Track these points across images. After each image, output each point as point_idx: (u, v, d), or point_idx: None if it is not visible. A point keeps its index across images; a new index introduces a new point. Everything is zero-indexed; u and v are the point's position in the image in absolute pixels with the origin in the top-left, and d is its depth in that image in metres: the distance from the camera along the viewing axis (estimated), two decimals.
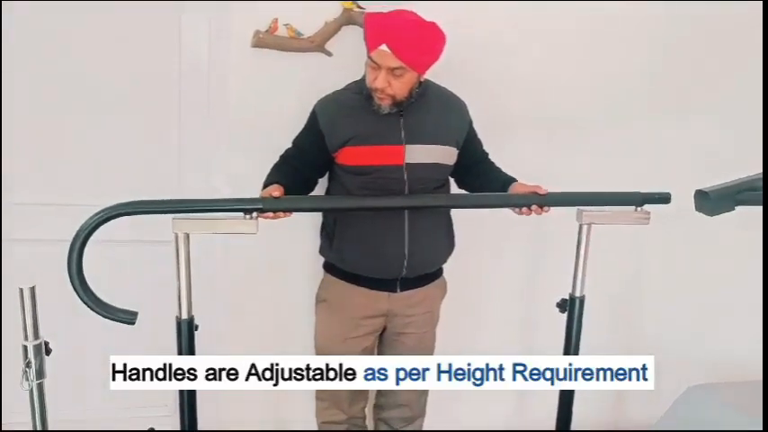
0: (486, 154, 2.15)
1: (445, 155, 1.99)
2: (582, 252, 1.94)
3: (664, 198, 1.93)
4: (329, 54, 2.24)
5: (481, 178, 2.08)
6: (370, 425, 2.36)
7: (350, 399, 2.21)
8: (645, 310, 2.82)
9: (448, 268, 2.20)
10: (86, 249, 1.51)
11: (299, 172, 1.96)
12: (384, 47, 1.75)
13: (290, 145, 2.02)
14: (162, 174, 2.31)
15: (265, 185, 1.86)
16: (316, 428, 2.33)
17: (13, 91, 2.14)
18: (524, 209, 1.88)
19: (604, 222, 1.90)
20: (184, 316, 1.68)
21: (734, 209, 1.54)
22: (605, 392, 2.87)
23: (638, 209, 1.92)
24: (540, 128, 2.52)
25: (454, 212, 2.11)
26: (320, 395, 2.25)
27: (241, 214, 1.68)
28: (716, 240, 2.66)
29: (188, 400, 1.74)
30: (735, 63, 2.59)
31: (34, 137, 2.20)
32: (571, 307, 1.98)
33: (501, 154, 2.16)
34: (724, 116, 2.62)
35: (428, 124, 1.95)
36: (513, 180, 2.00)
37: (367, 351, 2.14)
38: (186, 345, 1.69)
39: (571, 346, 2.00)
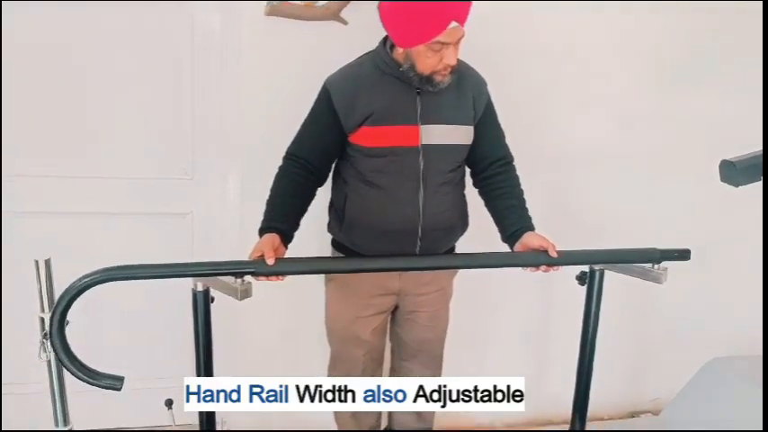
0: (510, 159, 2.01)
1: (462, 135, 1.89)
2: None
3: (683, 255, 1.86)
4: (344, 22, 2.20)
5: (496, 206, 1.97)
6: None
7: (363, 370, 2.19)
8: (664, 283, 2.78)
9: (460, 248, 2.14)
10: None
11: (303, 180, 1.87)
12: (454, 23, 1.65)
13: (290, 140, 1.91)
14: (175, 142, 2.32)
15: (262, 229, 1.79)
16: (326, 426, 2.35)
17: (26, 75, 2.15)
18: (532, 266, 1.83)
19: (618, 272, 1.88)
20: (200, 288, 1.66)
21: (761, 179, 1.49)
22: (624, 366, 2.87)
23: (656, 266, 1.84)
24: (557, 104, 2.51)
25: (467, 193, 2.05)
26: (334, 366, 2.24)
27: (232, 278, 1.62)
28: (737, 212, 2.61)
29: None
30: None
31: (49, 112, 2.21)
32: (591, 280, 1.93)
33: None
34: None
35: (445, 103, 1.84)
36: (528, 227, 1.91)
37: (378, 330, 2.13)
38: (202, 317, 1.68)
39: (590, 321, 1.97)
